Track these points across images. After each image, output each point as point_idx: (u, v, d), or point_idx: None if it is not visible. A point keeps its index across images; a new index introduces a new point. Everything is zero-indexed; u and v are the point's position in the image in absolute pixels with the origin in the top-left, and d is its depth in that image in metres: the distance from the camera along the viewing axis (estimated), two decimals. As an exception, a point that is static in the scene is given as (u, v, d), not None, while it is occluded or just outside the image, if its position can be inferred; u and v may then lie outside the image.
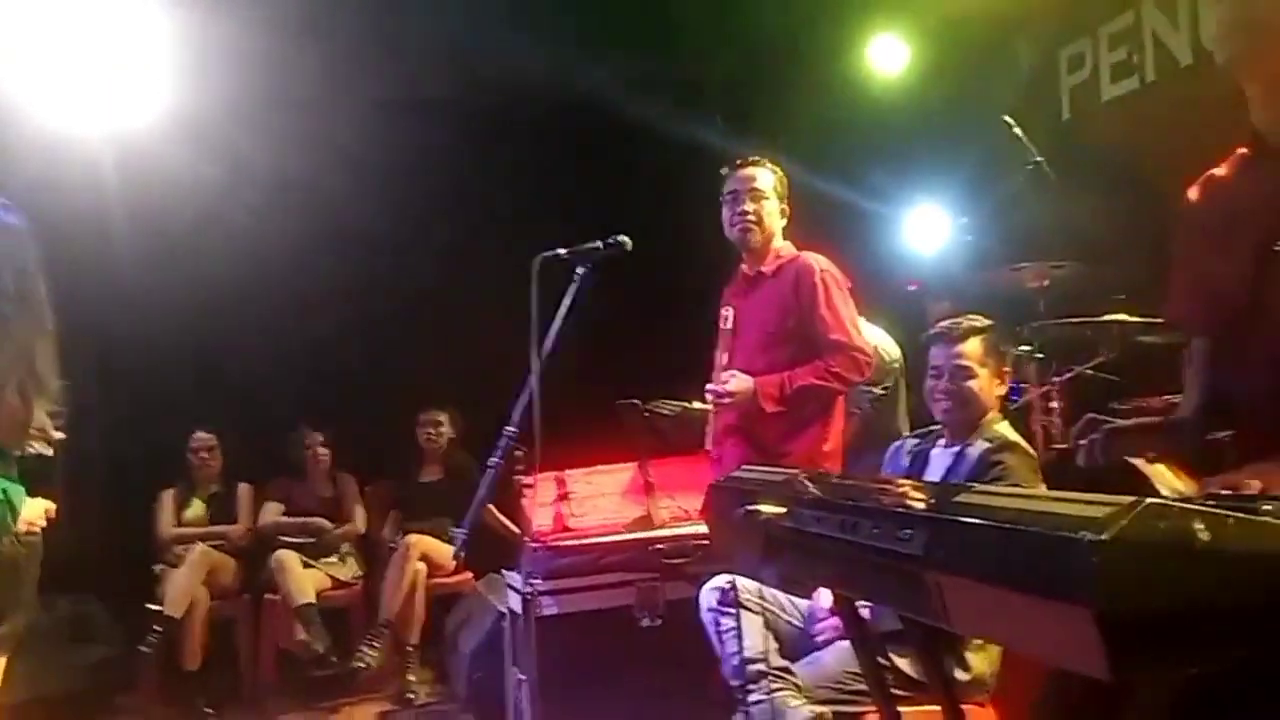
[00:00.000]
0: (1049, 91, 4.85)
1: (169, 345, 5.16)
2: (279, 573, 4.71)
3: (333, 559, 5.03)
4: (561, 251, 2.97)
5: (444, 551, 4.83)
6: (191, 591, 4.62)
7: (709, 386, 3.12)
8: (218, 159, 4.99)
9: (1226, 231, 1.70)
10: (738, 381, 3.05)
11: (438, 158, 5.39)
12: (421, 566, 4.74)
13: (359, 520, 5.19)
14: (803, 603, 2.67)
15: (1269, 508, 1.08)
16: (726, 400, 3.06)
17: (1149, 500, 1.01)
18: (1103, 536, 0.97)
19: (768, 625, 2.45)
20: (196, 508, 5.09)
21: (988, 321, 2.61)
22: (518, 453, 2.95)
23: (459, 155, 5.43)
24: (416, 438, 5.27)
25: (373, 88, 5.38)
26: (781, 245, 3.28)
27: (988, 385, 2.55)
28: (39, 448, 2.45)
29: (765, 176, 3.22)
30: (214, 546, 4.87)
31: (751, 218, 3.18)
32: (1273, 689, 1.52)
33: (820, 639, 2.54)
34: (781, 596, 2.67)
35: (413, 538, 4.81)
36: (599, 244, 2.98)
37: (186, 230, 5.13)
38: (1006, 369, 2.58)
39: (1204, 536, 1.00)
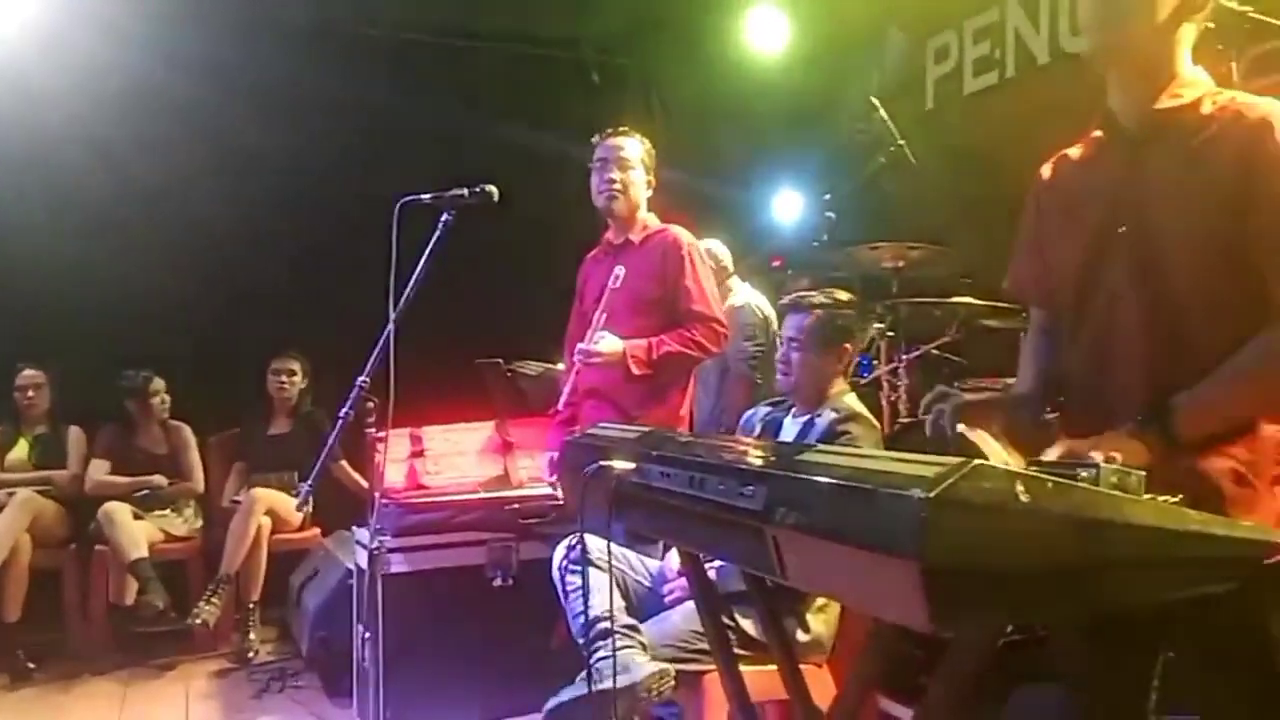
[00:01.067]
0: (915, 80, 5.00)
1: (8, 272, 4.81)
2: (108, 525, 4.45)
3: (167, 512, 4.78)
4: (425, 197, 2.89)
5: (290, 506, 4.71)
6: (14, 537, 4.33)
7: (579, 345, 3.12)
8: (75, 74, 4.69)
9: (1072, 209, 1.79)
10: (608, 343, 3.07)
11: (304, 88, 5.15)
12: (266, 521, 4.59)
13: (197, 478, 4.95)
14: (653, 562, 2.71)
15: (1085, 474, 1.14)
16: (597, 360, 3.07)
17: (976, 461, 1.06)
18: (930, 494, 1.01)
19: (618, 584, 2.47)
20: (21, 449, 4.77)
21: (830, 298, 2.68)
22: (369, 405, 2.87)
23: (325, 87, 5.20)
24: (266, 387, 5.07)
25: (239, 10, 5.12)
26: (647, 216, 3.32)
27: (817, 358, 2.63)
28: None
29: (633, 146, 3.27)
30: (40, 492, 4.57)
31: (618, 186, 3.22)
32: (1074, 646, 1.63)
33: (669, 599, 2.57)
34: (633, 556, 2.69)
35: (258, 491, 4.65)
36: (465, 191, 2.91)
37: (40, 151, 4.80)
38: (845, 345, 2.65)
39: (1024, 498, 1.05)
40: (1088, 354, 1.77)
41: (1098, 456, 1.36)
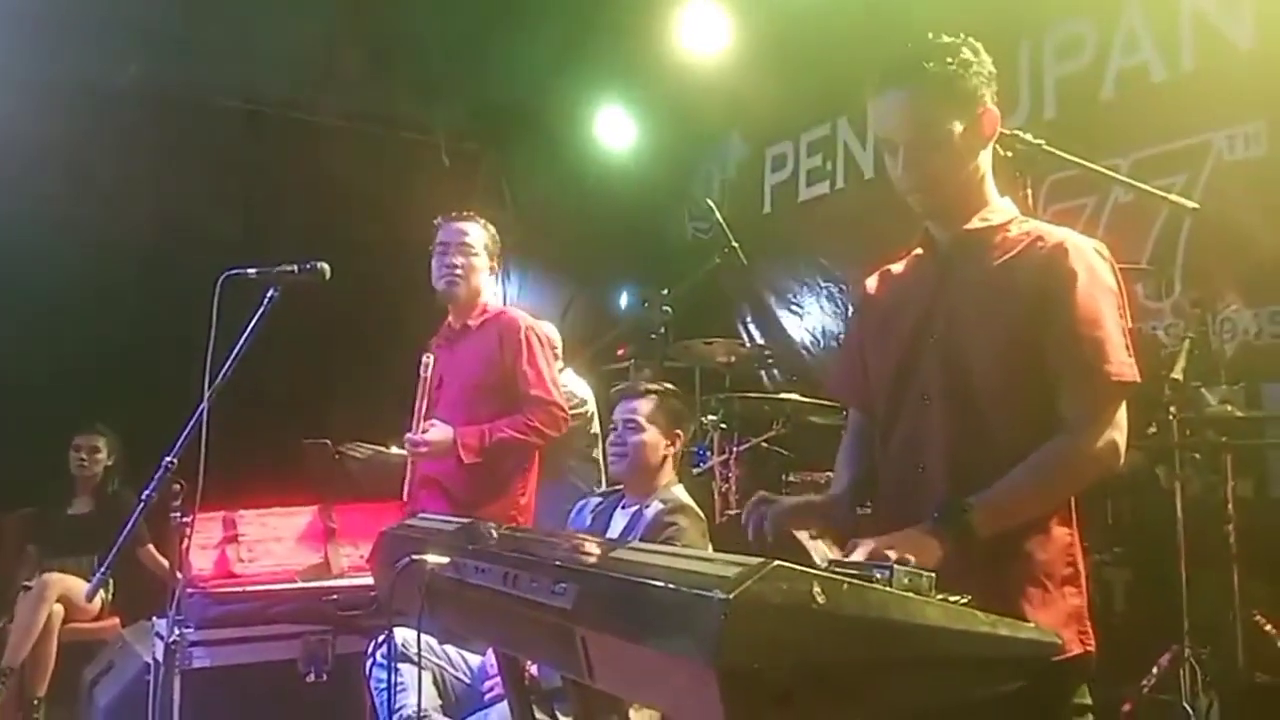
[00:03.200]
0: (754, 185, 5.23)
1: None
2: (-124, 611, 4.02)
3: (-53, 596, 4.35)
4: (251, 271, 2.79)
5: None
6: None
7: (408, 435, 3.04)
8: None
9: (889, 318, 1.89)
10: (437, 431, 2.99)
11: (133, 159, 4.96)
12: (58, 609, 4.22)
13: (-16, 555, 4.55)
14: (474, 658, 2.62)
15: (879, 575, 1.18)
16: (424, 449, 2.99)
17: (775, 563, 1.07)
18: (729, 595, 1.02)
19: (435, 681, 2.37)
20: None
21: (663, 385, 2.75)
22: (176, 487, 2.70)
23: (155, 158, 5.01)
24: (67, 464, 4.71)
25: (60, 69, 4.90)
26: (489, 300, 3.30)
27: (654, 440, 2.67)
28: None
29: (476, 232, 3.23)
30: None
31: (459, 272, 3.17)
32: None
33: (489, 696, 2.49)
34: (452, 651, 2.60)
35: (50, 576, 4.28)
36: (294, 267, 2.82)
37: None
38: (678, 431, 2.71)
39: (820, 599, 1.07)
40: (899, 453, 1.85)
41: (892, 556, 1.41)
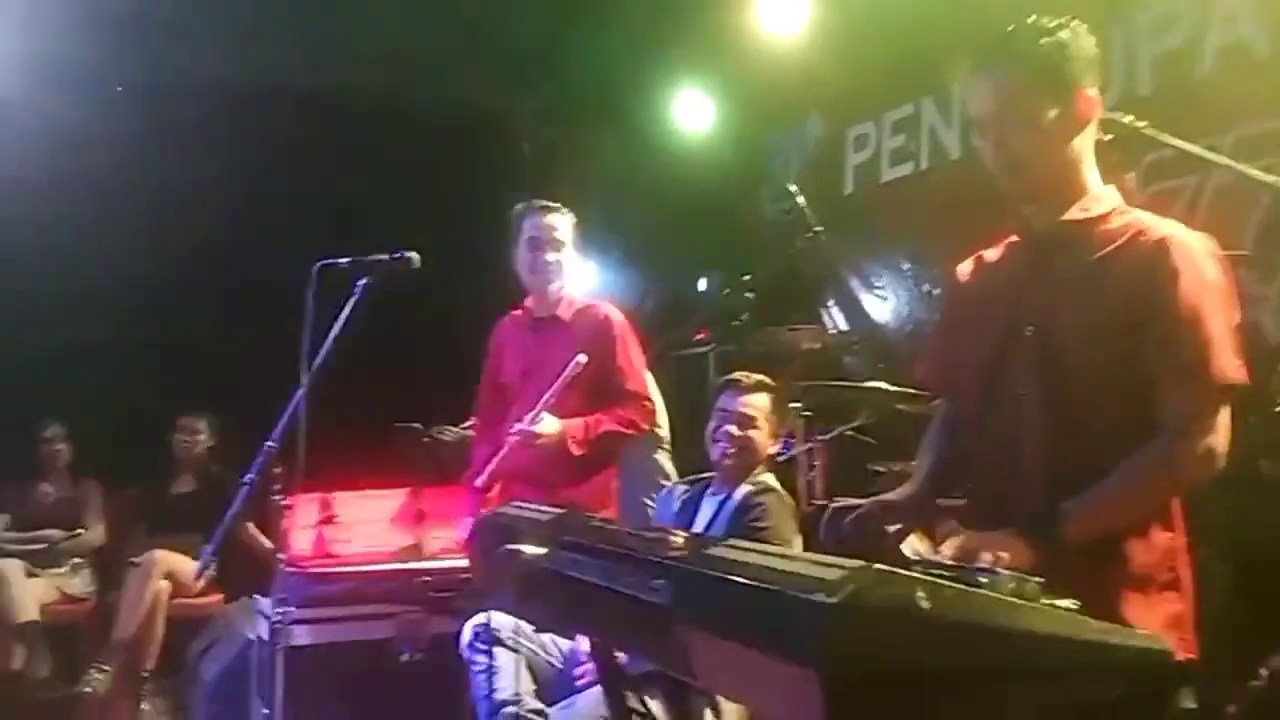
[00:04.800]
0: (835, 166, 5.17)
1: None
2: (-1, 585, 4.26)
3: (63, 569, 4.59)
4: (343, 261, 2.87)
5: (191, 570, 4.51)
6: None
7: (518, 425, 3.02)
8: (9, 121, 4.58)
9: (982, 307, 1.86)
10: (548, 423, 2.99)
11: (235, 148, 5.13)
12: (165, 585, 4.42)
13: (96, 531, 4.77)
14: (565, 643, 2.67)
15: (985, 580, 1.17)
16: (539, 441, 2.98)
17: (877, 566, 1.08)
18: (832, 599, 1.03)
19: (528, 665, 2.43)
20: (-91, 504, 4.55)
21: (774, 382, 2.77)
22: (277, 469, 2.81)
23: (249, 149, 5.17)
24: (171, 444, 4.91)
25: (166, 63, 5.08)
26: (572, 291, 3.30)
27: (765, 439, 2.70)
28: None
29: (565, 225, 3.22)
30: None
31: (555, 267, 3.17)
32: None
33: (579, 682, 2.54)
34: (544, 636, 2.65)
35: (157, 553, 4.47)
36: (384, 256, 2.90)
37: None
38: (784, 428, 2.72)
39: (924, 604, 1.07)
40: (992, 449, 1.83)
41: (986, 558, 1.41)
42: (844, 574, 1.06)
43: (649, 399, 3.18)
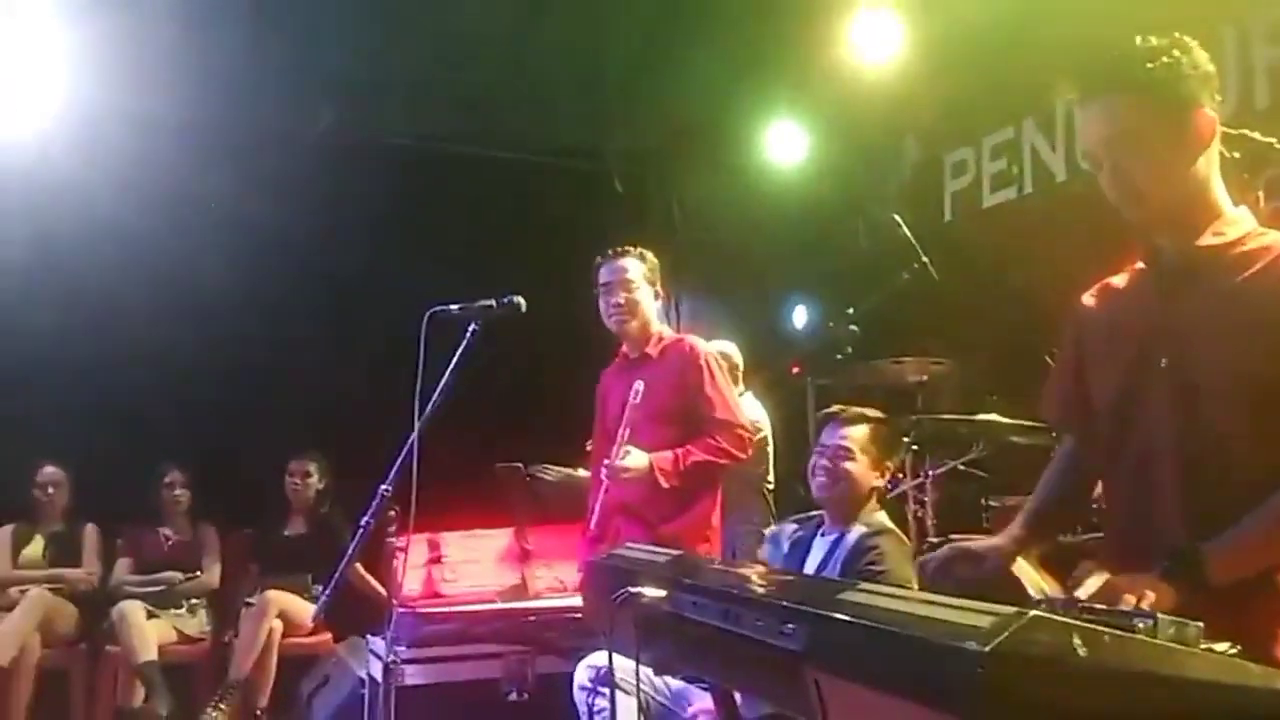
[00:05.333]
0: (933, 193, 5.09)
1: (22, 367, 4.85)
2: (121, 625, 4.41)
3: (181, 610, 4.74)
4: (454, 307, 2.92)
5: (303, 610, 4.62)
6: (23, 637, 4.29)
7: (606, 461, 3.11)
8: (107, 173, 4.80)
9: (1113, 338, 1.78)
10: (634, 458, 3.07)
11: (336, 198, 5.30)
12: (278, 624, 4.51)
13: (213, 573, 4.91)
14: (676, 684, 2.64)
15: (1142, 625, 1.11)
16: (625, 475, 3.06)
17: (1032, 613, 1.03)
18: (986, 648, 0.98)
19: (640, 708, 2.40)
20: (35, 546, 4.74)
21: (879, 413, 2.69)
22: (391, 512, 2.85)
23: (357, 198, 5.34)
24: (283, 487, 5.05)
25: (276, 117, 5.28)
26: (661, 328, 3.38)
27: (865, 472, 2.62)
28: None
29: (635, 266, 3.30)
30: (52, 590, 4.53)
31: (625, 309, 3.27)
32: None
33: (690, 721, 2.50)
34: (655, 678, 2.62)
35: (270, 594, 4.58)
36: (492, 302, 2.94)
37: (63, 245, 4.88)
38: (889, 463, 2.65)
39: (1082, 652, 1.02)
40: (1127, 485, 1.76)
41: (1130, 600, 1.34)
42: (996, 620, 1.02)
43: (742, 426, 3.19)
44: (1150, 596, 1.40)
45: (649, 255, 3.37)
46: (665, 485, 3.06)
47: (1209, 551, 1.51)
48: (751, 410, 4.40)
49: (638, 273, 3.30)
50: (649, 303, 3.32)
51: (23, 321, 4.78)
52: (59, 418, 4.91)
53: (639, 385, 3.12)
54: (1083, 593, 1.51)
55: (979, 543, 1.92)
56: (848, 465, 2.61)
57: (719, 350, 4.36)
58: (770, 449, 4.36)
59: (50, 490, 4.78)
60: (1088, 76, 1.69)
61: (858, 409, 2.70)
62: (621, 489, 3.13)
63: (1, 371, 4.80)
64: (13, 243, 4.67)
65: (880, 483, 2.66)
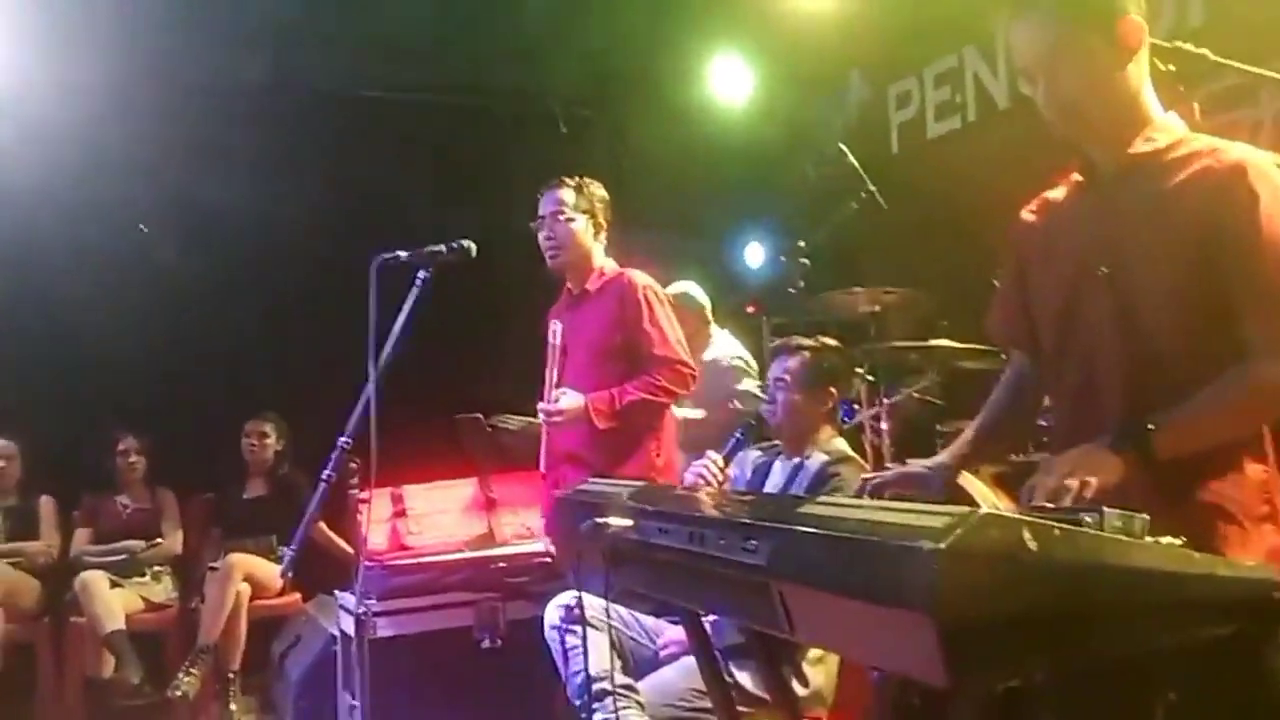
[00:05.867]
0: (879, 126, 5.10)
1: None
2: (84, 596, 4.37)
3: (145, 578, 4.71)
4: (402, 254, 2.88)
5: (269, 571, 4.62)
6: (-17, 613, 4.25)
7: (540, 405, 3.08)
8: (43, 140, 4.67)
9: (1052, 251, 1.82)
10: (568, 399, 3.03)
11: (278, 152, 5.20)
12: (245, 587, 4.50)
13: (174, 539, 4.88)
14: (647, 619, 2.68)
15: (1089, 519, 1.15)
16: (558, 418, 3.03)
17: (983, 511, 1.06)
18: (941, 545, 1.01)
19: (613, 643, 2.44)
20: (-11, 522, 4.68)
21: (820, 341, 2.73)
22: (352, 466, 2.84)
23: (295, 150, 5.24)
24: (240, 449, 5.01)
25: (208, 70, 5.16)
26: (605, 262, 3.25)
27: (804, 399, 2.66)
28: None
29: (569, 196, 3.17)
30: (11, 564, 4.48)
31: (555, 242, 3.16)
32: (1080, 691, 1.63)
33: (664, 653, 2.55)
34: (625, 613, 2.66)
35: (235, 557, 4.56)
36: (442, 248, 2.91)
37: (3, 217, 4.74)
38: (832, 389, 2.68)
39: (1032, 546, 1.06)
40: (1071, 394, 1.80)
41: (1072, 484, 1.39)
42: (948, 520, 1.05)
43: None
44: (1093, 481, 1.45)
45: (589, 185, 3.22)
46: (601, 426, 2.99)
47: (1155, 425, 1.56)
48: (731, 346, 4.41)
49: (572, 202, 3.16)
50: (586, 235, 3.18)
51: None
52: (5, 391, 4.81)
53: (556, 325, 3.06)
54: (1037, 497, 1.55)
55: (923, 463, 1.97)
56: (785, 395, 2.66)
57: (681, 291, 4.36)
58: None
59: (1, 464, 4.70)
60: None
61: (796, 340, 2.73)
62: (563, 433, 3.08)
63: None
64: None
65: (825, 408, 2.68)
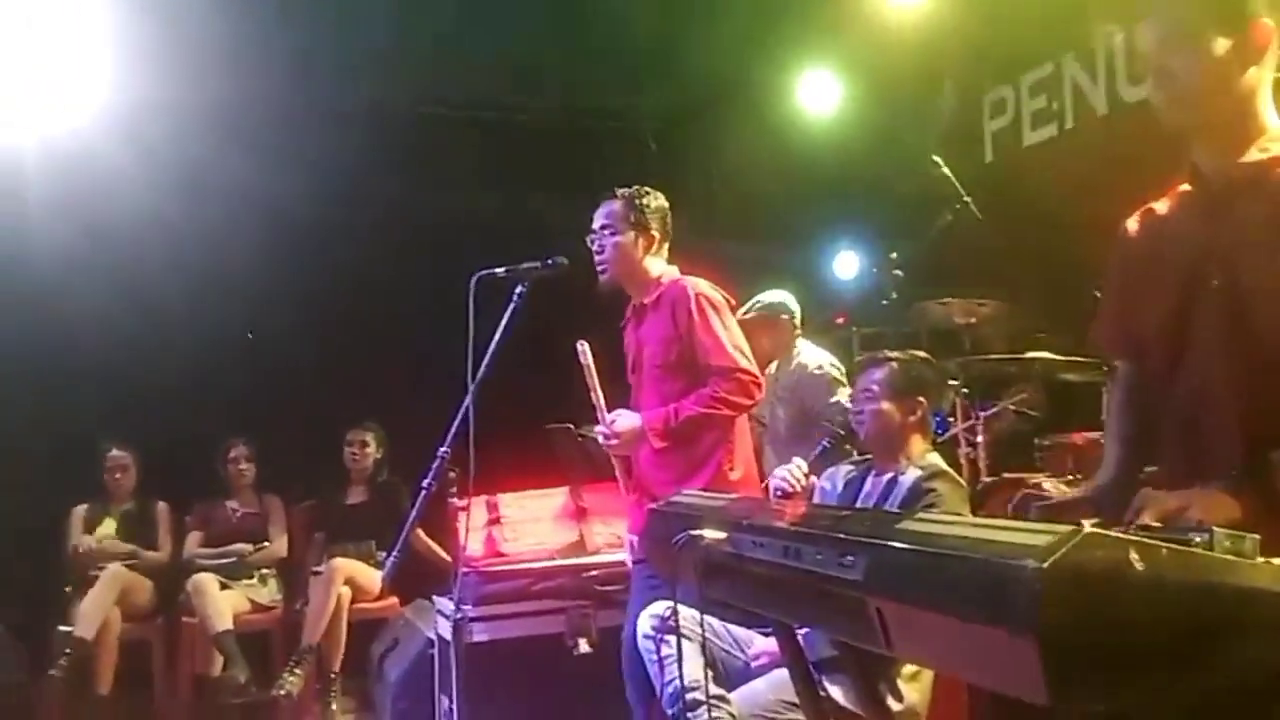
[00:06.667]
0: (972, 135, 5.01)
1: (86, 353, 5.01)
2: (196, 597, 4.58)
3: (252, 580, 4.90)
4: (499, 270, 2.96)
5: (369, 576, 4.76)
6: (104, 612, 4.48)
7: (597, 429, 2.96)
8: (154, 162, 4.91)
9: (1159, 262, 1.79)
10: (624, 421, 2.92)
11: (379, 170, 5.38)
12: (346, 591, 4.65)
13: (280, 543, 5.08)
14: (738, 630, 2.69)
15: (1198, 539, 1.13)
16: (614, 442, 2.93)
17: (1088, 529, 1.05)
18: (1044, 563, 1.01)
19: (705, 653, 2.46)
20: (108, 526, 4.93)
21: (907, 353, 2.72)
22: (451, 475, 2.93)
23: (399, 169, 5.42)
24: (342, 458, 5.17)
25: (316, 96, 5.36)
26: (663, 271, 3.07)
27: (891, 409, 2.63)
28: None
29: (608, 210, 3.04)
30: (128, 566, 4.72)
31: (600, 258, 3.05)
32: (1188, 715, 1.59)
33: (755, 664, 2.56)
34: (717, 623, 2.68)
35: (338, 561, 4.72)
36: (538, 263, 2.98)
37: (114, 234, 5.01)
38: (919, 398, 2.65)
39: (1139, 566, 1.04)
40: (1182, 409, 1.76)
41: (1194, 516, 1.35)
42: (1052, 538, 1.04)
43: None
44: (1210, 516, 1.41)
45: (643, 196, 3.05)
46: (657, 445, 2.85)
47: (1277, 462, 1.51)
48: (817, 355, 4.38)
49: (616, 216, 3.01)
50: (634, 249, 3.01)
51: (80, 311, 4.93)
52: (123, 401, 5.07)
53: (583, 346, 2.93)
54: (1147, 517, 1.52)
55: (1067, 496, 1.93)
56: (872, 406, 2.64)
57: (775, 300, 4.35)
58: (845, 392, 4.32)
59: (118, 475, 4.95)
60: None
61: (884, 353, 2.72)
62: (627, 456, 2.98)
63: (65, 360, 4.98)
64: (66, 234, 4.79)
65: (912, 419, 2.65)
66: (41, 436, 4.85)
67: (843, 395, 4.09)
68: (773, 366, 4.20)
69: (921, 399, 2.67)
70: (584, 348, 2.97)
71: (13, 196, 4.49)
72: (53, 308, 4.89)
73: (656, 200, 3.07)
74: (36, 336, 4.84)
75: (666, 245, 3.09)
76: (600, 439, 2.97)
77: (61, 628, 4.41)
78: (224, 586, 4.71)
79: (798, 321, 4.40)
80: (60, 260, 4.82)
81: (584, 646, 3.38)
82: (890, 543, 1.27)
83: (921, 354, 2.73)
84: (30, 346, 4.85)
